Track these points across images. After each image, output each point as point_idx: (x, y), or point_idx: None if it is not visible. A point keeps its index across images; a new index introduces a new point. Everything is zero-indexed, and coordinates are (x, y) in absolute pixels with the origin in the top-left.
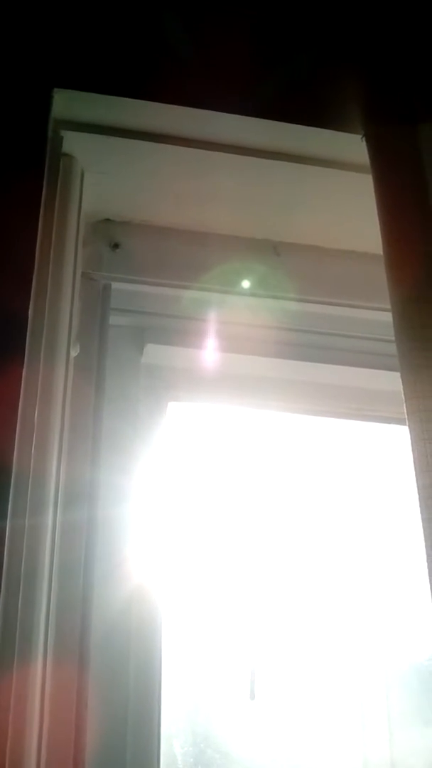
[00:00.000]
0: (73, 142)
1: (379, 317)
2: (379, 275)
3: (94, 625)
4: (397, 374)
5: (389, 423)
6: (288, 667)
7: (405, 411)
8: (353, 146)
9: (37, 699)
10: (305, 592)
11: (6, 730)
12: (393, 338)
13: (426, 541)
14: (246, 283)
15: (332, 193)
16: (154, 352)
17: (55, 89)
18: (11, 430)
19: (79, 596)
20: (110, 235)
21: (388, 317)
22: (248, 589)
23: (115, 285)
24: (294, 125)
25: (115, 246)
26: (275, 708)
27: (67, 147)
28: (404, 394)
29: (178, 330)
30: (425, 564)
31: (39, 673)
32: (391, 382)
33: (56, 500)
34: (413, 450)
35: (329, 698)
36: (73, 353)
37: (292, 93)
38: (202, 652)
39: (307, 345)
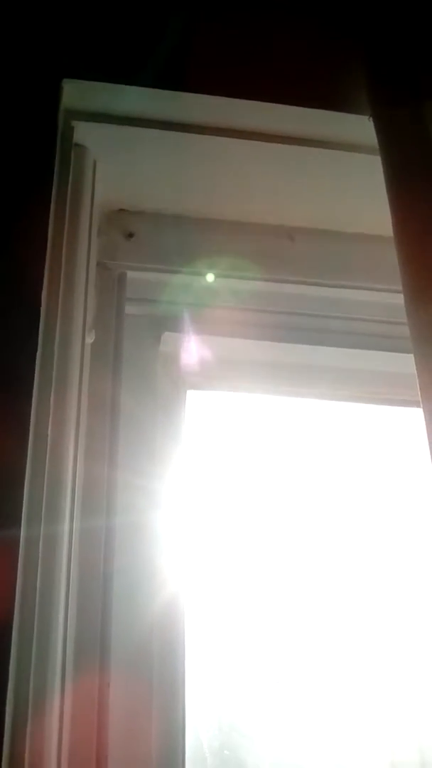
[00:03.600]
0: (84, 133)
1: (394, 300)
2: (393, 257)
3: (115, 613)
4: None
5: (408, 406)
6: (316, 651)
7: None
8: (361, 127)
9: (57, 688)
10: (332, 576)
11: (24, 730)
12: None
13: None
14: (261, 269)
15: (343, 176)
16: (171, 341)
17: (65, 80)
18: (25, 425)
19: (99, 597)
20: (125, 225)
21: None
22: (273, 576)
23: (130, 274)
24: (301, 108)
25: (130, 235)
26: (302, 692)
27: (78, 137)
28: (418, 374)
29: (195, 317)
30: None
31: (59, 663)
32: (409, 364)
33: (73, 495)
34: (428, 430)
35: (357, 684)
36: (89, 340)
37: (297, 76)
38: (228, 636)
39: (323, 330)
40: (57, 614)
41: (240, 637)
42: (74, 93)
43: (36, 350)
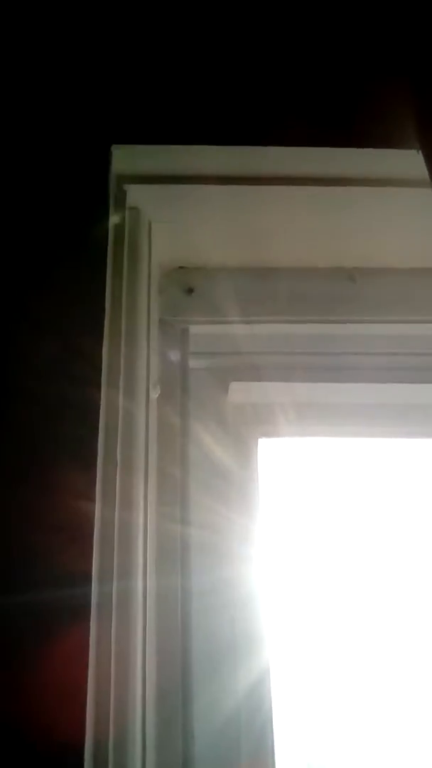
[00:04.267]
0: (137, 195)
1: None
2: None
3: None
4: None
5: None
6: (401, 690)
7: None
8: (410, 161)
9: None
10: (406, 622)
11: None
12: None
13: None
14: (324, 312)
15: (397, 212)
16: (239, 390)
17: (114, 146)
18: (92, 482)
19: (179, 649)
20: (185, 281)
21: None
22: (355, 617)
23: (193, 328)
24: (351, 149)
25: (190, 291)
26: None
27: (131, 200)
28: None
29: (261, 366)
30: None
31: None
32: None
33: (145, 556)
34: None
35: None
36: (154, 395)
37: (345, 117)
38: (312, 678)
39: (391, 367)
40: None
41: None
42: (124, 157)
43: (99, 410)
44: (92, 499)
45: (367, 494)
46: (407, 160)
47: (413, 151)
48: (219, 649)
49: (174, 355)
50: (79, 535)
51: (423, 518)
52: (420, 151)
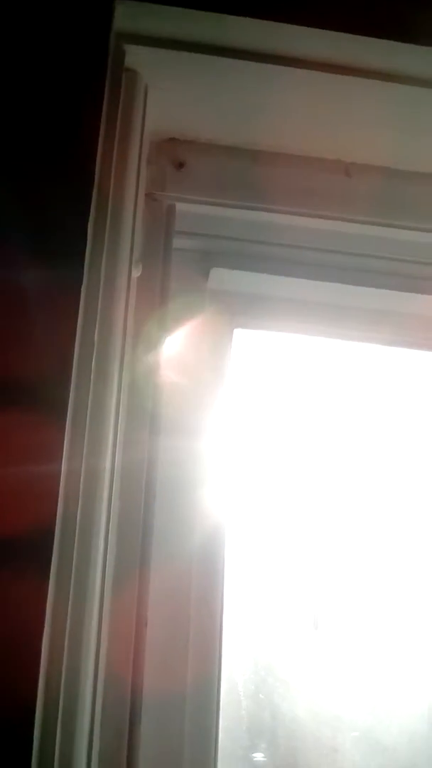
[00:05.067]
0: (136, 57)
1: None
2: None
3: (155, 551)
4: None
5: None
6: (353, 598)
7: None
8: (427, 60)
9: (94, 624)
10: (370, 521)
11: (62, 650)
12: None
13: None
14: (315, 205)
15: (407, 112)
16: (220, 277)
17: (117, 1)
18: (69, 352)
19: (139, 529)
20: (175, 154)
21: None
22: (313, 519)
23: (179, 206)
24: (365, 38)
25: (180, 165)
26: (339, 639)
27: (129, 61)
28: None
29: (245, 254)
30: None
31: (97, 596)
32: None
33: (116, 432)
34: None
35: (395, 631)
36: (135, 273)
37: (364, 3)
38: (266, 580)
39: (377, 271)
40: (97, 545)
41: (280, 580)
42: (127, 15)
43: (81, 282)
44: (68, 376)
45: (337, 396)
46: (422, 58)
47: (429, 48)
48: (180, 507)
49: (158, 232)
50: (53, 411)
51: (388, 423)
52: None
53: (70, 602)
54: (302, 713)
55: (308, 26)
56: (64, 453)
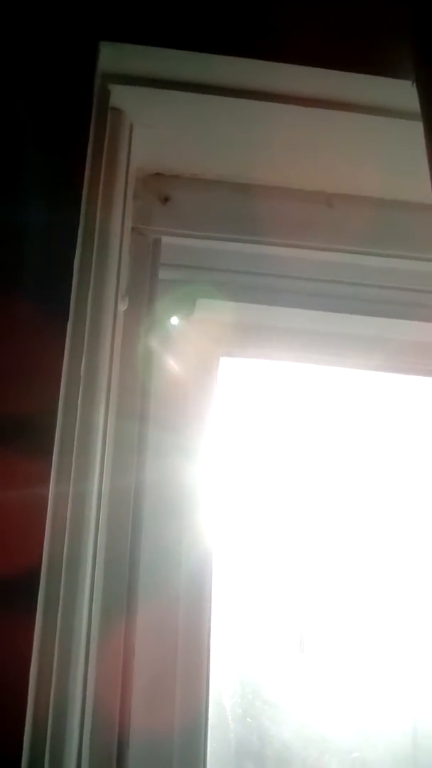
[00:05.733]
0: (121, 96)
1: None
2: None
3: (142, 577)
4: None
5: None
6: (339, 619)
7: None
8: (404, 93)
9: (83, 648)
10: (357, 545)
11: (50, 677)
12: None
13: None
14: (298, 236)
15: (383, 142)
16: (206, 307)
17: (102, 42)
18: (56, 385)
19: (126, 555)
20: (160, 189)
21: None
22: (301, 543)
23: (165, 239)
24: (344, 73)
25: (166, 200)
26: (325, 660)
27: (115, 101)
28: None
29: (230, 284)
30: None
31: (85, 623)
32: None
33: (103, 462)
34: None
35: (380, 651)
36: (122, 307)
37: (340, 40)
38: (253, 603)
39: (360, 298)
40: (84, 576)
41: (266, 604)
42: (111, 56)
43: (68, 316)
44: (56, 403)
45: (325, 421)
46: (400, 91)
47: (406, 82)
48: (168, 532)
49: (144, 265)
50: (40, 437)
51: (377, 447)
52: (415, 84)
53: (57, 633)
54: (289, 735)
55: (288, 63)
56: (51, 484)
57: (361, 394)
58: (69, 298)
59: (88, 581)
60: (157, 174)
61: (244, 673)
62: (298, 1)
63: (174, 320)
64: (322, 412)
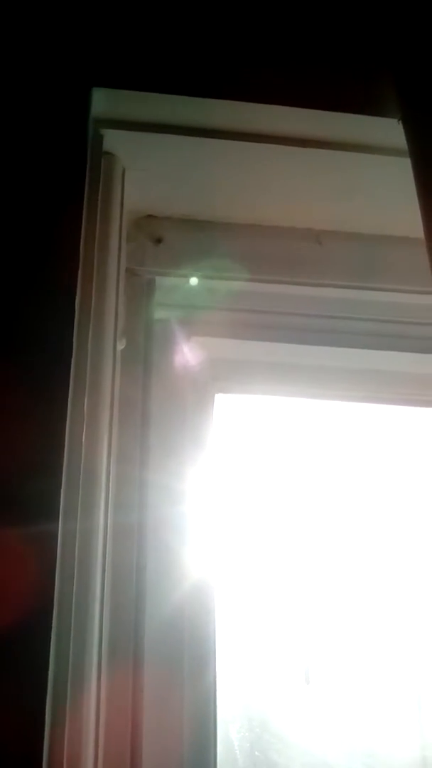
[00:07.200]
0: (113, 140)
1: (424, 301)
2: (423, 259)
3: (148, 614)
4: None
5: None
6: (343, 651)
7: None
8: (390, 130)
9: (93, 687)
10: (360, 577)
11: (63, 732)
12: None
13: None
14: (290, 273)
15: (371, 179)
16: (200, 344)
17: (94, 88)
18: (61, 429)
19: (132, 592)
20: (153, 231)
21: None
22: (303, 577)
23: (159, 280)
24: (330, 112)
25: (158, 241)
26: (331, 692)
27: (107, 145)
28: None
29: (224, 321)
30: None
31: (94, 664)
32: None
33: (107, 498)
34: None
35: (385, 682)
36: (119, 347)
37: (326, 80)
38: (257, 637)
39: (351, 332)
40: (93, 613)
41: (270, 637)
42: (103, 101)
43: (71, 357)
44: (61, 446)
45: (320, 454)
46: (387, 129)
47: (391, 120)
48: (170, 565)
49: (139, 306)
50: (47, 478)
51: (373, 480)
52: (400, 121)
53: (69, 671)
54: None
55: (276, 104)
56: (59, 521)
57: (355, 425)
58: (72, 340)
59: (96, 621)
60: (149, 216)
61: (251, 707)
62: (285, 43)
63: (169, 358)
64: (318, 446)
